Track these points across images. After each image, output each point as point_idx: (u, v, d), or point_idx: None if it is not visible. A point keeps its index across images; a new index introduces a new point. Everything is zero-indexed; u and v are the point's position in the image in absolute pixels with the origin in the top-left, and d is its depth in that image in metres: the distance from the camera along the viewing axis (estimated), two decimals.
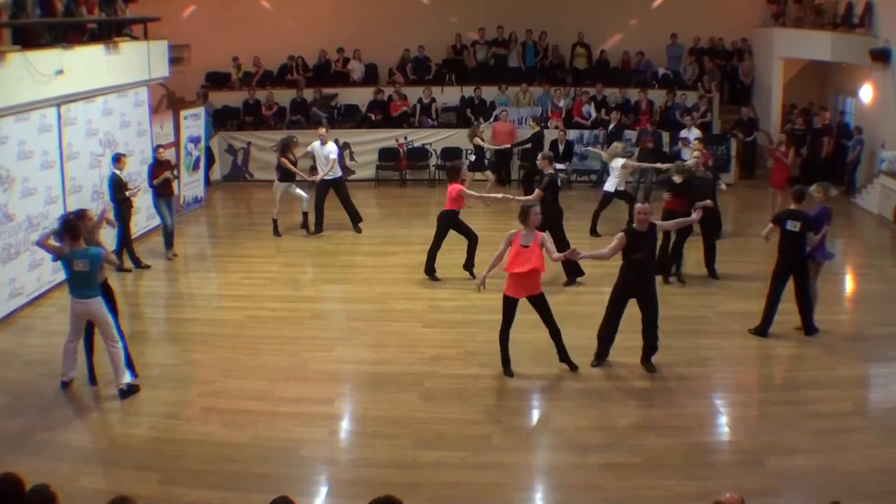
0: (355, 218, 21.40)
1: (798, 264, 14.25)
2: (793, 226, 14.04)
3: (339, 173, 21.33)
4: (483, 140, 24.42)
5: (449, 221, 17.25)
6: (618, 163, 19.62)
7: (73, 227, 12.25)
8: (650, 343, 13.19)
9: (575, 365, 13.09)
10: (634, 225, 12.87)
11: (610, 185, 20.01)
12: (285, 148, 20.74)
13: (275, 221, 21.28)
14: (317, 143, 20.95)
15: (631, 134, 26.09)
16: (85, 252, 12.11)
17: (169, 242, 19.38)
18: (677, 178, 16.94)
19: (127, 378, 12.41)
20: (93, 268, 12.15)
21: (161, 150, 19.37)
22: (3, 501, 6.59)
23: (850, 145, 24.91)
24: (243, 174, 28.01)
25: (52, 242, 12.43)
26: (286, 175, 20.84)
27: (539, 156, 18.14)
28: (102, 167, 18.67)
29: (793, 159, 22.59)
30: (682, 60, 29.33)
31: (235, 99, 28.75)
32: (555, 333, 13.04)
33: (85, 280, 12.15)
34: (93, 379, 12.88)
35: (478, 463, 10.56)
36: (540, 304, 12.92)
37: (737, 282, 16.93)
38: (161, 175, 18.70)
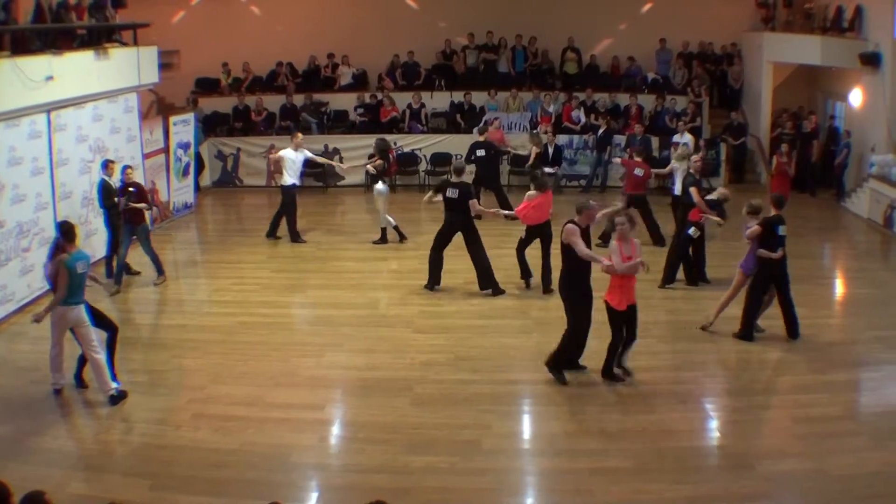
0: (273, 230, 21.40)
1: (783, 271, 14.29)
2: (783, 231, 14.07)
3: (287, 182, 21.00)
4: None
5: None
6: (684, 164, 19.63)
7: (69, 229, 12.44)
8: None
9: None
10: (577, 219, 12.77)
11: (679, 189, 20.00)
12: (385, 150, 20.74)
13: (396, 229, 20.86)
14: (289, 150, 20.90)
15: (620, 139, 26.18)
16: (81, 253, 12.33)
17: (118, 276, 17.63)
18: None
19: (113, 384, 12.39)
20: (88, 268, 12.33)
21: (129, 169, 17.85)
22: None
23: (837, 149, 24.96)
24: (233, 180, 27.98)
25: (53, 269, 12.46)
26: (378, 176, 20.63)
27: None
28: (92, 173, 18.61)
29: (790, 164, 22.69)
30: (672, 65, 29.38)
31: (225, 105, 28.77)
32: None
33: (83, 283, 12.28)
34: (80, 382, 12.94)
35: (468, 468, 10.56)
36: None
37: (727, 287, 16.88)
38: (119, 201, 17.43)
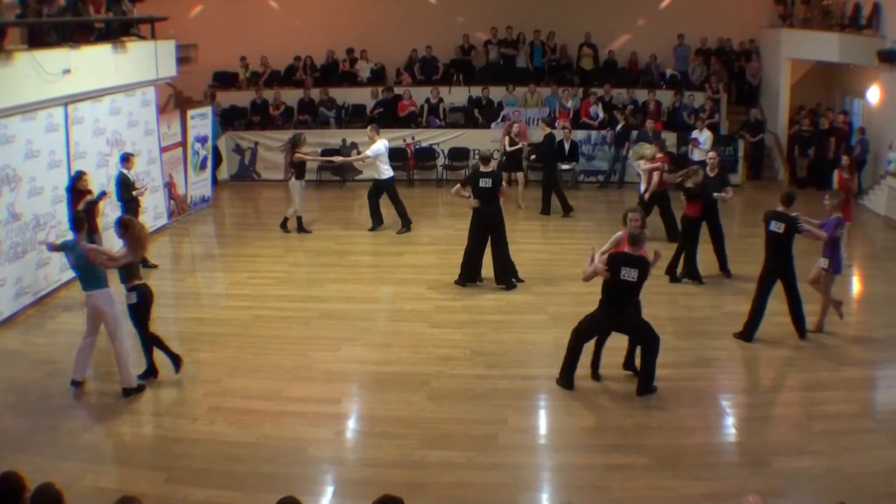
0: (405, 220, 21.57)
1: (782, 267, 14.15)
2: (776, 227, 13.93)
3: (386, 175, 21.36)
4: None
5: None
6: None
7: (78, 219, 12.58)
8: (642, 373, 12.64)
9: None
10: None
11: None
12: (296, 144, 20.85)
13: (299, 219, 21.31)
14: (380, 142, 21.20)
15: (636, 135, 26.14)
16: (72, 245, 12.31)
17: None
18: (690, 183, 16.91)
19: (133, 379, 12.40)
20: (78, 261, 12.22)
21: (84, 176, 16.66)
22: (4, 500, 6.59)
23: (853, 146, 24.86)
24: (251, 174, 28.04)
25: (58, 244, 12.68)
26: (301, 172, 21.08)
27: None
28: (110, 166, 18.67)
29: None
30: (690, 61, 29.30)
31: (243, 98, 28.84)
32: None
33: (81, 272, 12.30)
34: (154, 371, 13.04)
35: (484, 463, 10.57)
36: None
37: (744, 282, 16.83)
38: (80, 203, 16.06)
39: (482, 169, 16.86)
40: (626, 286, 12.03)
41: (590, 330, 12.52)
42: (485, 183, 16.60)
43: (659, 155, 19.95)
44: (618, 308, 12.23)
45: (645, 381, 12.38)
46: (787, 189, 14.88)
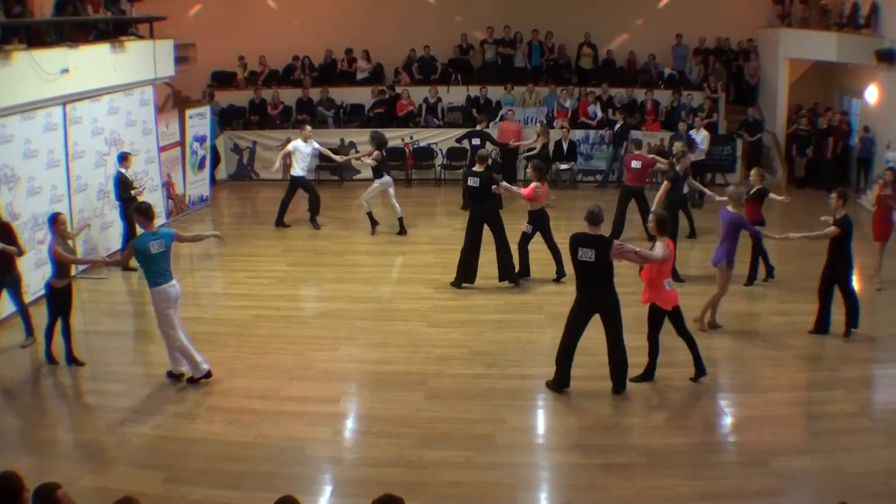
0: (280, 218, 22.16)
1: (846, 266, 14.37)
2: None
3: (297, 173, 21.70)
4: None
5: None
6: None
7: (147, 209, 12.67)
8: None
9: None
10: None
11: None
12: (383, 144, 20.91)
13: (370, 214, 21.26)
14: (299, 142, 21.44)
15: (637, 134, 26.10)
16: (157, 233, 12.50)
17: (28, 329, 14.67)
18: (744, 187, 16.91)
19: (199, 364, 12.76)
20: (167, 245, 12.49)
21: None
22: (4, 500, 6.58)
23: (855, 144, 24.88)
24: (249, 173, 28.07)
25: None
26: (380, 171, 20.88)
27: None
28: (108, 166, 18.68)
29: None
30: (688, 61, 29.29)
31: (241, 98, 28.85)
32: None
33: (166, 261, 12.55)
34: (52, 359, 13.37)
35: (482, 462, 10.57)
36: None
37: (742, 282, 16.88)
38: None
39: (476, 168, 16.81)
40: (585, 267, 11.98)
41: (574, 319, 12.38)
42: (473, 182, 16.60)
43: (636, 151, 20.11)
44: (591, 290, 12.16)
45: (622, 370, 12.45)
46: (840, 188, 14.78)
